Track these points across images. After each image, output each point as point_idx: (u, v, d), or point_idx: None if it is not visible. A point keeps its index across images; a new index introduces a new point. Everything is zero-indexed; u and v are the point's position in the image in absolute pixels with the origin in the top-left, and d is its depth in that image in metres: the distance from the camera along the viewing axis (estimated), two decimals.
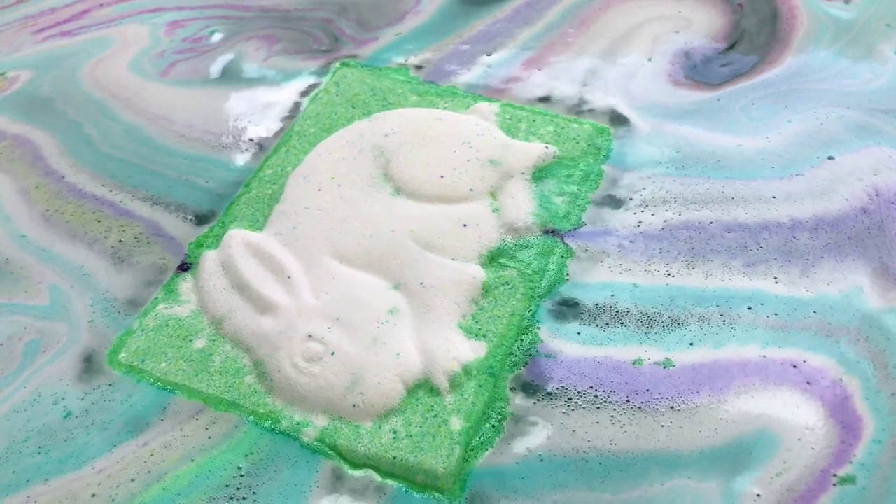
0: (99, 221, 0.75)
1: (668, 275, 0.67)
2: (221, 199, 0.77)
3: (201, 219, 0.75)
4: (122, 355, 0.65)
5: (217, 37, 0.93)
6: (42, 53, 0.93)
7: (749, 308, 0.65)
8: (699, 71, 0.84)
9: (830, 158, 0.75)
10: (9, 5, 1.00)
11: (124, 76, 0.89)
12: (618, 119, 0.80)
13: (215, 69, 0.89)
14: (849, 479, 0.56)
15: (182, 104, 0.85)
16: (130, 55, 0.92)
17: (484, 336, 0.64)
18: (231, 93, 0.87)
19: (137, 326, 0.67)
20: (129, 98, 0.86)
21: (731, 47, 0.87)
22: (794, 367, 0.61)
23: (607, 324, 0.64)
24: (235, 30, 0.95)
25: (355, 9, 0.96)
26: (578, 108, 0.82)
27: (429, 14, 0.94)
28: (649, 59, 0.87)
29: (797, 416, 0.59)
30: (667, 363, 0.62)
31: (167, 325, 0.67)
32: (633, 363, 0.62)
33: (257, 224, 0.73)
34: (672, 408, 0.59)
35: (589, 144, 0.77)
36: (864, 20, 0.89)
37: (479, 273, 0.67)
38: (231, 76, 0.89)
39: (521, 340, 0.64)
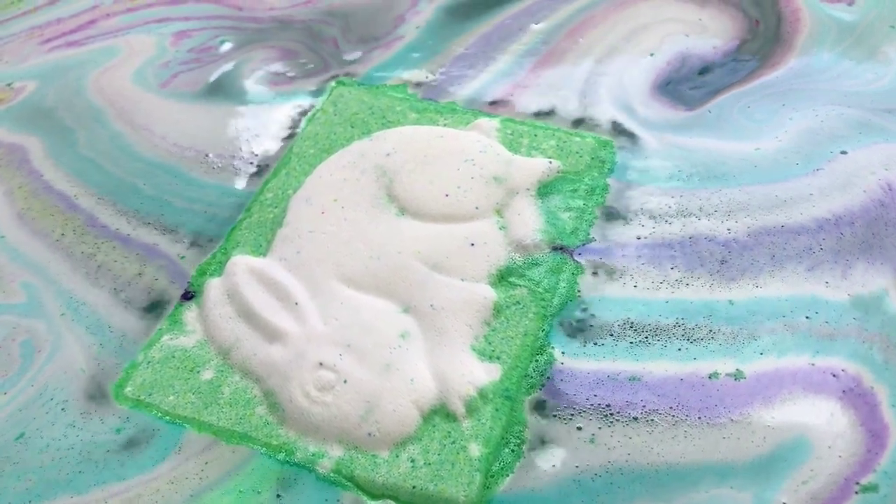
0: (52, 216, 0.77)
1: (710, 286, 0.67)
2: (185, 213, 0.77)
3: (167, 229, 0.76)
4: (128, 389, 0.63)
5: (226, 46, 0.92)
6: (49, 63, 0.94)
7: (807, 317, 0.65)
8: (670, 90, 0.83)
9: (843, 153, 0.75)
10: (15, 16, 1.01)
11: (127, 86, 0.89)
12: (619, 131, 0.80)
13: (213, 84, 0.88)
14: (871, 488, 0.56)
15: (174, 118, 0.85)
16: (136, 65, 0.92)
17: (498, 358, 0.63)
18: (225, 110, 0.86)
19: (143, 358, 0.65)
20: (124, 107, 0.87)
21: (733, 59, 0.87)
22: (835, 376, 0.61)
23: (644, 339, 0.64)
24: (239, 42, 0.94)
25: (357, 22, 0.95)
26: (579, 119, 0.81)
27: (423, 28, 0.93)
28: (651, 55, 0.87)
29: (831, 424, 0.59)
30: (738, 374, 0.61)
31: (173, 357, 0.65)
32: (710, 377, 0.62)
33: (260, 249, 0.72)
34: (732, 420, 0.59)
35: (592, 158, 0.77)
36: (868, 22, 0.89)
37: (489, 293, 0.66)
38: (227, 92, 0.88)
39: (536, 361, 0.62)
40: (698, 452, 0.58)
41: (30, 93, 0.90)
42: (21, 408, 0.63)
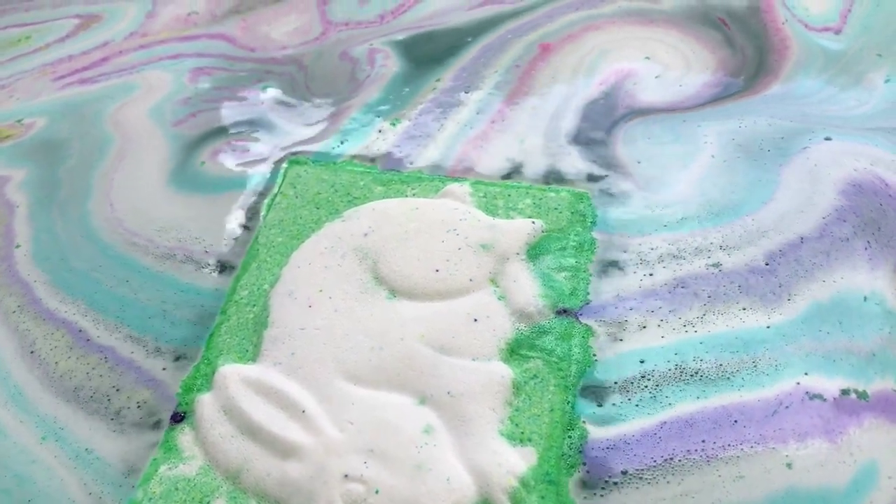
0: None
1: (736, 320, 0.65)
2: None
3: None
4: None
5: (270, 93, 0.90)
6: (61, 100, 0.91)
7: (889, 332, 0.63)
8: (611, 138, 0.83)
9: (828, 139, 0.75)
10: (25, 53, 0.98)
11: (143, 122, 0.87)
12: (591, 180, 0.78)
13: (188, 144, 0.85)
14: None
15: (129, 191, 0.81)
16: (154, 100, 0.90)
17: (529, 440, 0.59)
18: (182, 191, 0.81)
19: (142, 496, 0.59)
20: (125, 136, 0.85)
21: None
22: None
23: (674, 385, 0.61)
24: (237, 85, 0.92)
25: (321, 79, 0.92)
26: (549, 171, 0.79)
27: (374, 93, 0.90)
28: (647, 58, 0.87)
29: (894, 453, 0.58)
30: (863, 395, 0.60)
31: (176, 489, 0.59)
32: (842, 393, 0.59)
33: (248, 355, 0.67)
34: (857, 445, 0.58)
35: (572, 212, 0.75)
36: (855, 50, 0.89)
37: (506, 371, 0.63)
38: (189, 170, 0.83)
39: (570, 437, 0.60)
40: (756, 489, 0.55)
41: (39, 129, 0.87)
42: None
